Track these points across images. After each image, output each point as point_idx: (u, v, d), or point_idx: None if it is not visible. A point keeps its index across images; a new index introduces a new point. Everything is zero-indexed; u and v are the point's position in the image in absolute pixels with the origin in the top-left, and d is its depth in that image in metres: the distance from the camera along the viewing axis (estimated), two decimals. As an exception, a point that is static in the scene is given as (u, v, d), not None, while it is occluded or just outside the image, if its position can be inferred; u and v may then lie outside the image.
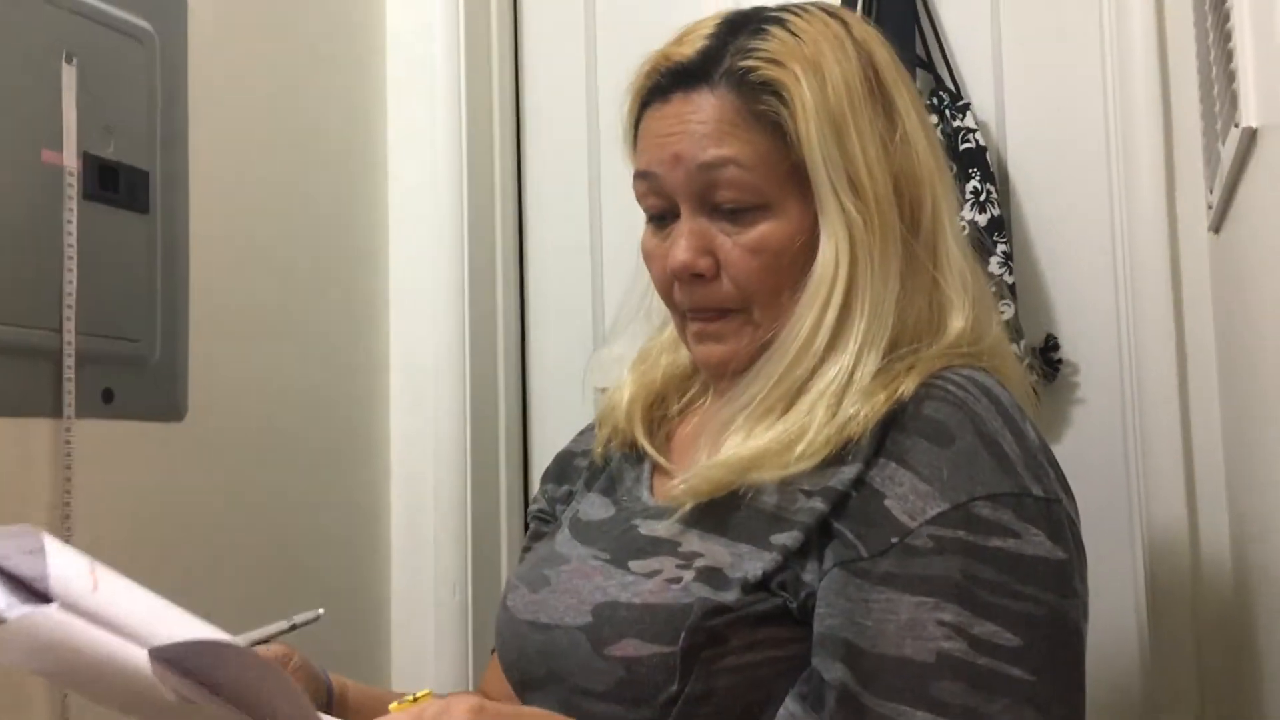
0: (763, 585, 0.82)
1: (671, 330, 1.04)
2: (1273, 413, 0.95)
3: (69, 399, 1.11)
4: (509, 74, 1.75)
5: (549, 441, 1.63)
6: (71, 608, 0.61)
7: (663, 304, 1.00)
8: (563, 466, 1.13)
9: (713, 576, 0.83)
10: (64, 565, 0.62)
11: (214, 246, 1.31)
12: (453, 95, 1.63)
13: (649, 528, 0.91)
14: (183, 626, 0.66)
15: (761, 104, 0.87)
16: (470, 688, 1.56)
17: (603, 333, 1.68)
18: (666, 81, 0.92)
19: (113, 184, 1.18)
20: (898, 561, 0.77)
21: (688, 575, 0.84)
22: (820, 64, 0.87)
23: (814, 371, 0.86)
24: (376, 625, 1.58)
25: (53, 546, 0.62)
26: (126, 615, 0.63)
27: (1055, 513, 0.79)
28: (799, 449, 0.83)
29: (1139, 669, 1.37)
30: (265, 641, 0.88)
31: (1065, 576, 0.78)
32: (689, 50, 0.91)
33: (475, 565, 1.59)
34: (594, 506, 1.01)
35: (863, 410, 0.82)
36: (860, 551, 0.78)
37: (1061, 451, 1.39)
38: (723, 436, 0.88)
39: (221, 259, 1.33)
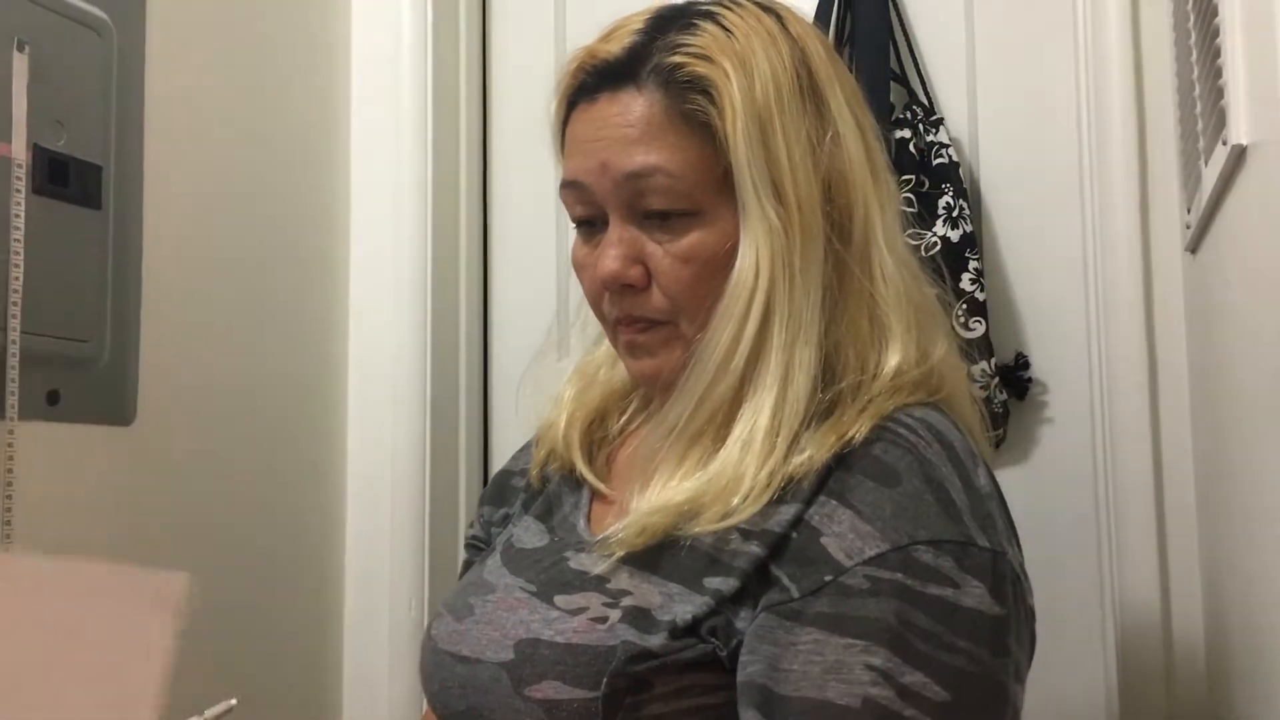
0: (692, 630, 0.77)
1: (609, 344, 0.99)
2: (1246, 433, 0.93)
3: (12, 400, 1.06)
4: (476, 70, 1.72)
5: (510, 453, 1.59)
6: None
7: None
8: (500, 488, 1.08)
9: (640, 618, 0.78)
10: None
11: (168, 245, 1.27)
12: (418, 92, 1.60)
13: (579, 561, 0.86)
14: None
15: (689, 103, 0.82)
16: (425, 708, 1.51)
17: (568, 344, 1.65)
18: (593, 81, 0.87)
19: (63, 178, 1.13)
20: (830, 601, 0.73)
21: (614, 615, 0.79)
22: (749, 59, 0.83)
23: (739, 391, 0.82)
24: (329, 640, 1.54)
25: None
26: None
27: (999, 567, 0.75)
28: (737, 499, 0.78)
29: (1104, 698, 1.36)
30: None
31: (1000, 634, 0.73)
32: (616, 47, 0.86)
33: (432, 579, 1.55)
34: (528, 532, 0.96)
35: (809, 452, 0.78)
36: (792, 593, 0.74)
37: (1029, 471, 1.39)
38: (650, 468, 0.84)
39: (176, 258, 1.28)
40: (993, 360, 1.39)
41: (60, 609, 0.66)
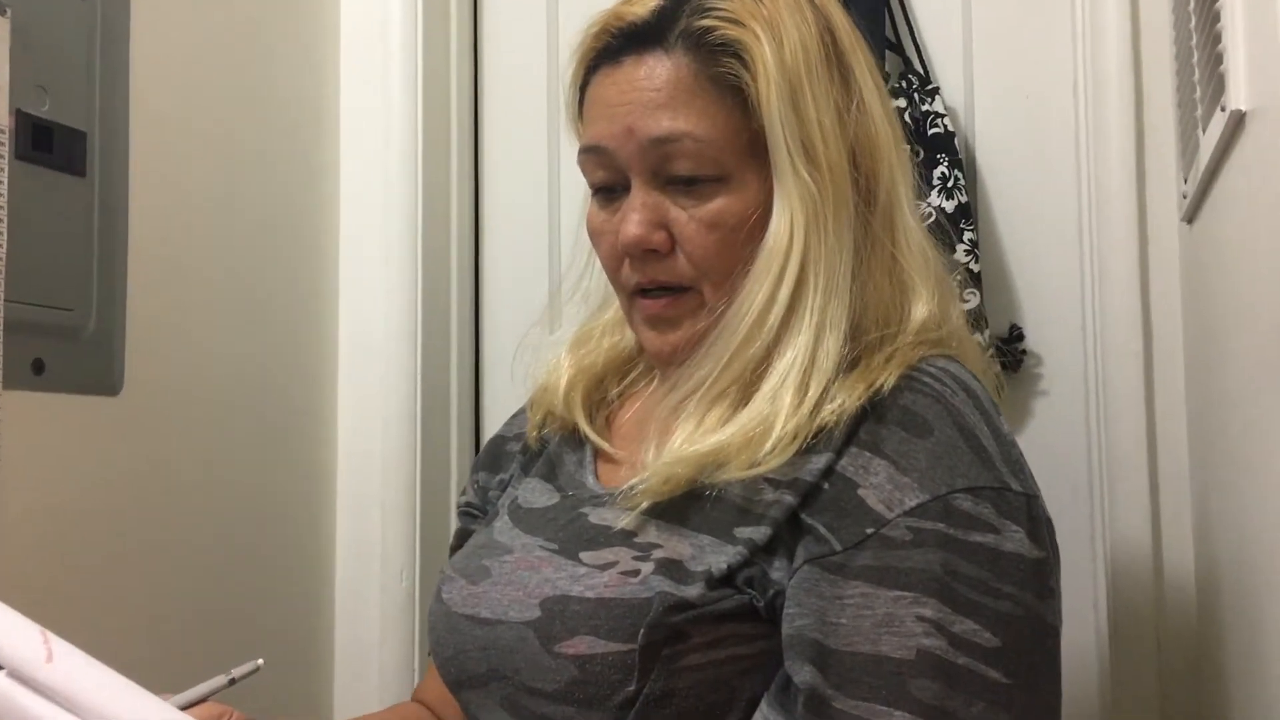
0: (727, 580, 0.77)
1: (615, 312, 0.99)
2: (1240, 409, 0.93)
3: (-4, 369, 1.05)
4: (467, 41, 1.70)
5: (502, 422, 1.58)
6: (19, 678, 0.58)
7: (601, 284, 0.96)
8: (495, 454, 1.08)
9: (673, 569, 0.78)
10: (14, 634, 0.59)
11: (154, 212, 1.25)
12: (409, 58, 1.58)
13: (599, 516, 0.86)
14: (139, 709, 0.62)
15: (720, 65, 0.82)
16: (415, 678, 1.51)
17: (560, 319, 1.64)
18: (617, 43, 0.86)
19: (47, 144, 1.11)
20: (874, 554, 0.73)
21: (646, 568, 0.79)
22: (778, 25, 0.83)
23: (770, 351, 0.81)
24: (319, 612, 1.53)
25: (4, 613, 0.59)
26: (80, 692, 0.60)
27: (1034, 509, 0.76)
28: (767, 445, 0.78)
29: (1097, 674, 1.36)
30: (205, 699, 0.82)
31: (1042, 576, 0.75)
32: (641, 10, 0.85)
33: (424, 550, 1.54)
34: (534, 493, 0.96)
35: (839, 400, 0.78)
36: (833, 545, 0.75)
37: (1023, 443, 1.38)
38: (672, 423, 0.84)
39: (162, 226, 1.27)
40: (987, 332, 1.38)
41: None
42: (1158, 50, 1.33)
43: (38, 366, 1.11)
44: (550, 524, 0.90)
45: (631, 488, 0.82)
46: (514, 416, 1.10)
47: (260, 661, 0.84)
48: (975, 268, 1.38)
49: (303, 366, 1.52)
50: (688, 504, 0.81)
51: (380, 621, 1.52)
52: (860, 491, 0.75)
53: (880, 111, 0.88)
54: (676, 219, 0.84)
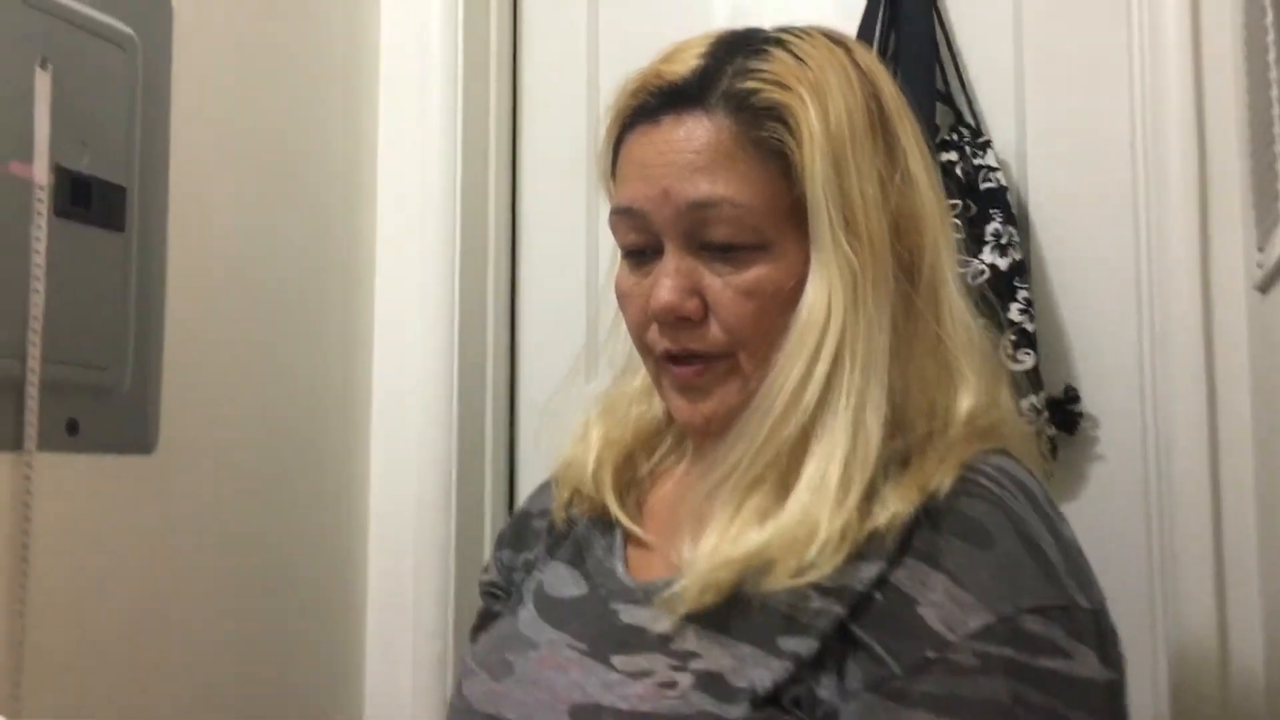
0: (773, 699, 0.72)
1: (641, 379, 0.94)
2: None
3: (30, 431, 1.02)
4: (506, 94, 1.67)
5: (535, 474, 1.54)
6: None
7: (627, 348, 0.91)
8: (519, 530, 1.02)
9: (713, 684, 0.73)
10: None
11: (192, 269, 1.23)
12: (448, 113, 1.56)
13: (631, 615, 0.81)
14: None
15: (764, 130, 0.79)
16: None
17: (596, 368, 1.61)
18: (655, 102, 0.82)
19: (85, 200, 1.09)
20: (937, 681, 0.68)
21: (684, 680, 0.74)
22: (824, 90, 0.79)
23: (806, 433, 0.77)
24: (350, 675, 1.49)
25: None
26: None
27: (1102, 625, 0.72)
28: (813, 551, 0.73)
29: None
30: None
31: (1114, 699, 0.71)
32: (682, 68, 0.81)
33: (457, 612, 1.50)
34: (561, 580, 0.90)
35: (893, 507, 0.74)
36: (892, 669, 0.70)
37: (1078, 509, 1.33)
38: (707, 512, 0.79)
39: (199, 282, 1.25)
40: (1042, 393, 1.34)
41: None
42: (1223, 100, 1.28)
43: (72, 427, 1.08)
44: (578, 618, 0.85)
45: (670, 593, 0.77)
46: (538, 491, 1.05)
47: None
48: (1030, 327, 1.34)
49: (336, 421, 1.49)
50: (729, 608, 0.75)
51: (411, 687, 1.48)
52: (919, 609, 0.70)
53: (926, 181, 0.84)
54: (711, 286, 0.80)
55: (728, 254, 0.80)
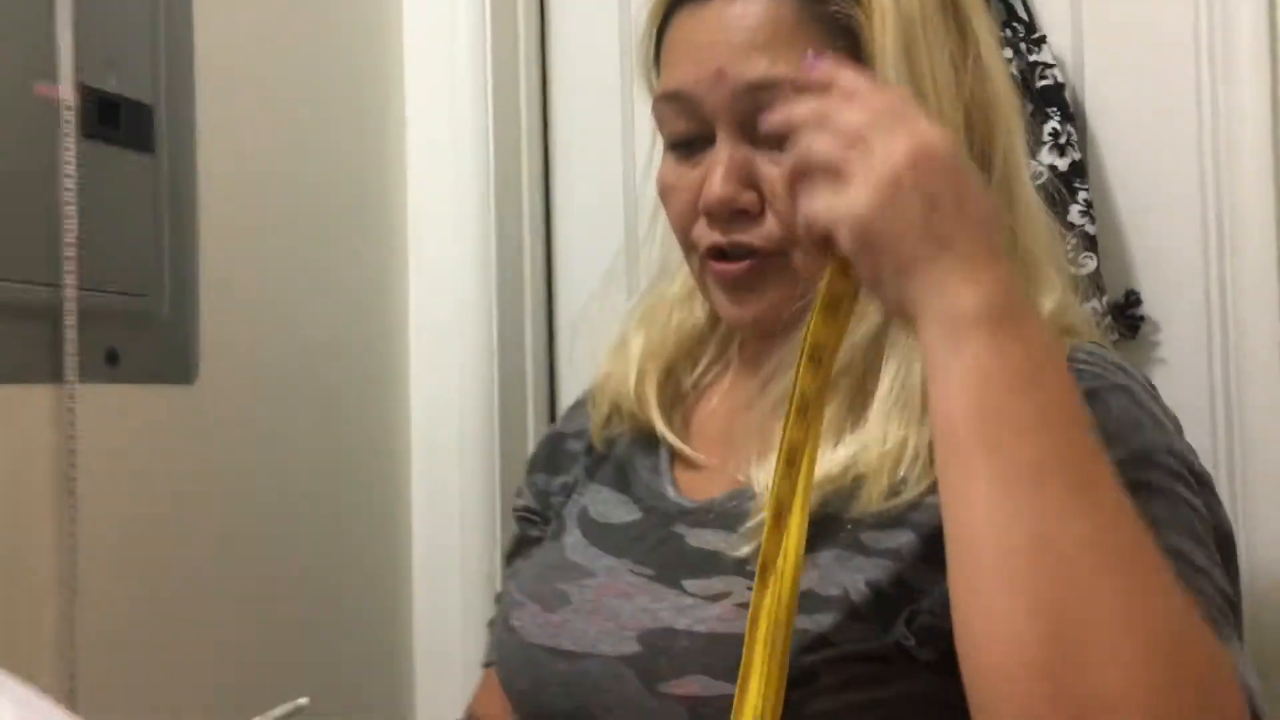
0: (871, 608, 0.68)
1: (681, 284, 0.90)
2: None
3: (71, 362, 0.99)
4: (534, 11, 1.61)
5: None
6: None
7: (663, 252, 0.88)
8: (553, 452, 0.98)
9: (801, 599, 0.69)
10: None
11: (223, 190, 1.18)
12: (476, 30, 1.49)
13: (700, 538, 0.77)
14: None
15: (832, 4, 0.73)
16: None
17: (636, 289, 1.57)
18: None
19: (114, 120, 1.05)
20: None
21: None
22: None
23: (875, 340, 0.74)
24: (398, 606, 1.47)
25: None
26: None
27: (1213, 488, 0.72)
28: (904, 468, 0.70)
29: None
30: None
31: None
32: None
33: (504, 533, 1.48)
34: (608, 505, 0.86)
35: None
36: None
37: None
38: (771, 427, 0.73)
39: (231, 203, 1.20)
40: (1104, 298, 1.29)
41: None
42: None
43: (112, 357, 1.05)
44: (638, 543, 0.81)
45: (752, 523, 0.73)
46: (572, 409, 1.00)
47: (304, 701, 0.78)
48: (1091, 230, 1.29)
49: (375, 344, 1.45)
50: (812, 528, 0.70)
51: (462, 611, 1.46)
52: None
53: (1000, 69, 0.79)
54: (768, 175, 0.75)
55: (787, 142, 0.75)
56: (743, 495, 0.78)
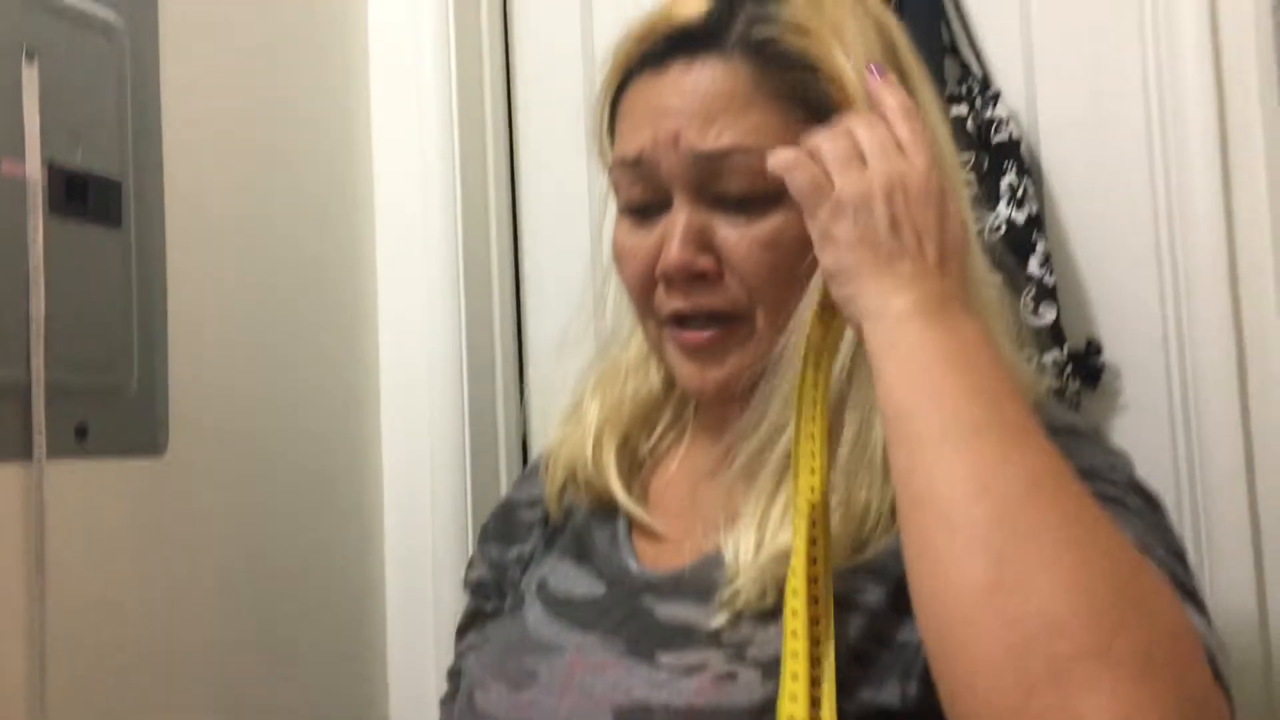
0: (855, 661, 0.69)
1: (637, 349, 0.89)
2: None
3: (39, 439, 0.99)
4: (499, 70, 1.62)
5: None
6: None
7: (616, 317, 0.87)
8: (507, 522, 0.97)
9: (777, 667, 0.68)
10: None
11: (191, 263, 1.19)
12: (442, 93, 1.51)
13: (669, 610, 0.77)
14: None
15: (788, 76, 0.75)
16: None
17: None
18: (664, 47, 0.78)
19: (81, 196, 1.05)
20: None
21: (745, 671, 0.70)
22: (843, 34, 0.76)
23: (836, 404, 0.74)
24: (372, 669, 1.46)
25: None
26: None
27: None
28: (867, 529, 0.71)
29: None
30: None
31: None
32: (691, 11, 0.77)
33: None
34: (569, 578, 0.85)
35: None
36: None
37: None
38: (735, 498, 0.76)
39: (199, 277, 1.20)
40: (1065, 348, 1.31)
41: None
42: (1241, 33, 1.23)
43: (81, 432, 1.05)
44: (604, 618, 0.80)
45: (728, 591, 0.74)
46: (524, 477, 1.00)
47: None
48: (1050, 281, 1.31)
49: (346, 412, 1.45)
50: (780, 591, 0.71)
51: (436, 679, 1.45)
52: None
53: (943, 130, 0.81)
54: (726, 239, 0.76)
55: (744, 205, 0.76)
56: (712, 563, 0.77)
